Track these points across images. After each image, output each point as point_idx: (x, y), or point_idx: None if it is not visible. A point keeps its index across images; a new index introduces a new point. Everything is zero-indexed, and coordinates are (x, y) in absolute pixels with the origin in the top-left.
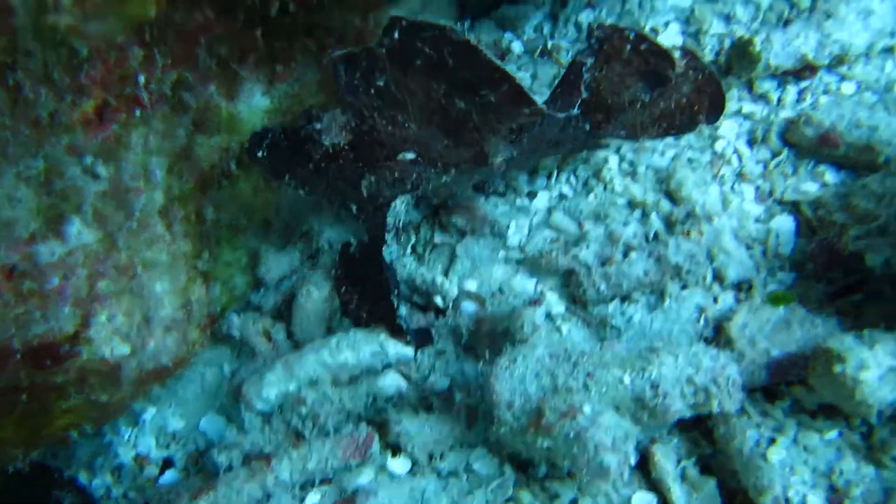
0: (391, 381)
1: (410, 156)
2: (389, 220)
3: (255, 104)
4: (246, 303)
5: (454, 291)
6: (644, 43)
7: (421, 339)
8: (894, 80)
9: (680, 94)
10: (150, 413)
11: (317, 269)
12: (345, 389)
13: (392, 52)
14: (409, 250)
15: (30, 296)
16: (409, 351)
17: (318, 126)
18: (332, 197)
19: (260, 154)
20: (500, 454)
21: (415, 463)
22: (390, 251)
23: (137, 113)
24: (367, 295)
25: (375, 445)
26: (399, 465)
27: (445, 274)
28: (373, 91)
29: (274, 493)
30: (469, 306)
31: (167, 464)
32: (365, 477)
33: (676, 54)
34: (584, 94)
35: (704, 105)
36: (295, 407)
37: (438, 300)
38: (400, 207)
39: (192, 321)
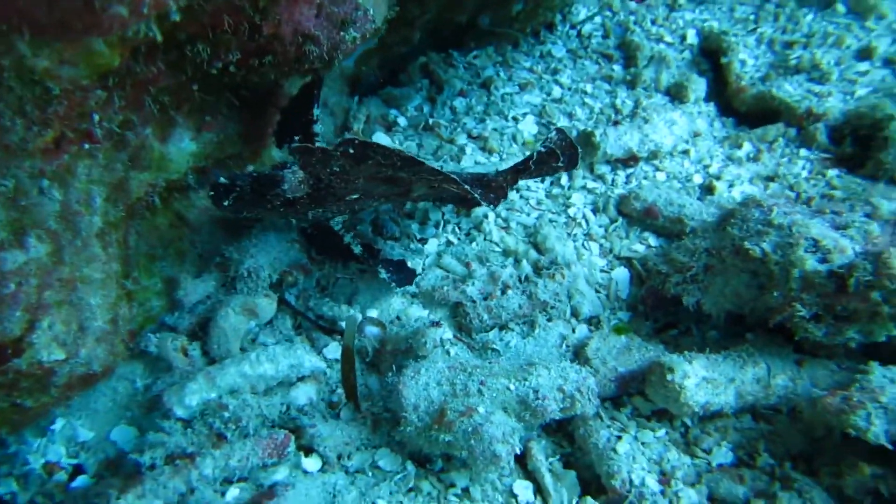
0: (303, 392)
1: (355, 196)
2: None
3: (183, 147)
4: (160, 324)
5: (358, 317)
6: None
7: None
8: (691, 174)
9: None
10: (59, 424)
11: (235, 293)
12: (262, 398)
13: (347, 155)
14: (314, 283)
15: None
16: (322, 364)
17: (285, 186)
18: (279, 220)
19: (226, 203)
20: (402, 453)
21: (325, 462)
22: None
23: (86, 146)
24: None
25: (291, 446)
26: (311, 464)
27: (349, 303)
28: (328, 169)
29: (197, 487)
30: (372, 329)
31: (78, 470)
32: (281, 474)
33: (553, 133)
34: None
35: (566, 162)
36: (217, 412)
37: (343, 324)
38: (337, 221)
39: (119, 334)
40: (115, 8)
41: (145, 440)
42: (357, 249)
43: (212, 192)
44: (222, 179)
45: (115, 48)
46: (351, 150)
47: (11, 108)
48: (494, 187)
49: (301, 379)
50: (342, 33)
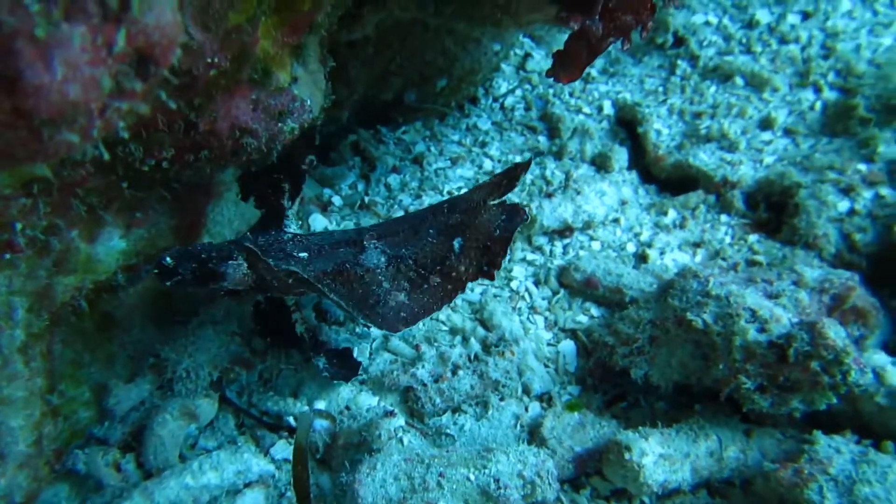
0: (251, 500)
1: (301, 290)
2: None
3: (112, 246)
4: (88, 437)
5: (311, 413)
6: None
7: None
8: (624, 242)
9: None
10: None
11: (172, 397)
12: None
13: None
14: (256, 377)
15: None
16: (271, 467)
17: (225, 283)
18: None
19: (168, 283)
20: None
21: None
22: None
23: (7, 256)
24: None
25: None
26: None
27: (294, 396)
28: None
29: None
30: (321, 423)
31: None
32: None
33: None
34: None
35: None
36: None
37: (291, 420)
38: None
39: (43, 456)
40: (64, 135)
41: None
42: (300, 329)
43: (156, 271)
44: (168, 260)
45: None
46: (290, 281)
47: None
48: (454, 278)
49: (248, 485)
50: (280, 125)
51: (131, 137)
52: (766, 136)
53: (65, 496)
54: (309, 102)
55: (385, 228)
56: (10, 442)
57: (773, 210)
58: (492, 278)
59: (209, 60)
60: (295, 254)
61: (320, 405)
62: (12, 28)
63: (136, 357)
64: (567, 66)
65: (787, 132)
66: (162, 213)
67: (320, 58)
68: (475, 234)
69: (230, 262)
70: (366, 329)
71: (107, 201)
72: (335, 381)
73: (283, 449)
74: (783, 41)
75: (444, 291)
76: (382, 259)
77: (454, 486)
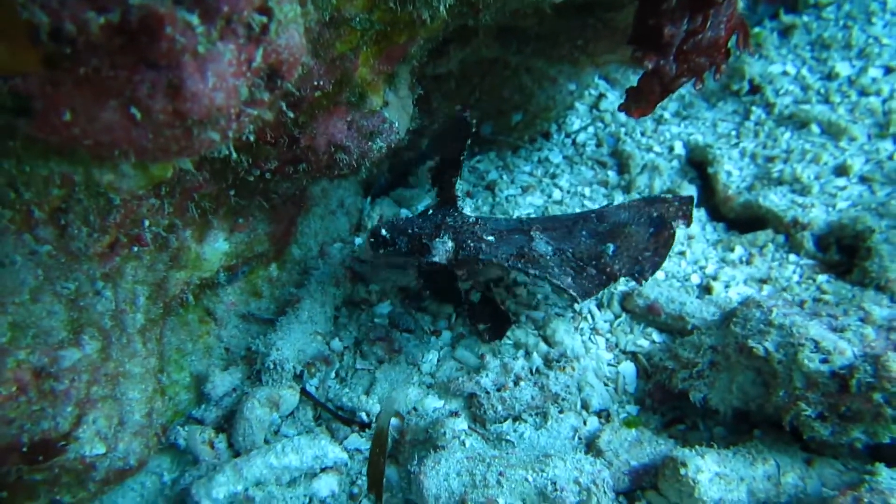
0: (325, 484)
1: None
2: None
3: (217, 247)
4: (187, 417)
5: (376, 408)
6: None
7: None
8: (689, 274)
9: None
10: None
11: (260, 386)
12: (286, 490)
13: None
14: (332, 375)
15: (47, 395)
16: (345, 456)
17: (432, 258)
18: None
19: (381, 252)
20: None
21: None
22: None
23: (135, 249)
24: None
25: None
26: None
27: (367, 394)
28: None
29: None
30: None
31: None
32: None
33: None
34: None
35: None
36: None
37: (363, 416)
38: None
39: (153, 428)
40: (209, 134)
41: None
42: (475, 297)
43: (372, 240)
44: (384, 232)
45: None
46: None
47: (79, 218)
48: (608, 273)
49: (324, 470)
50: (370, 143)
51: (242, 149)
52: (841, 181)
53: (167, 467)
54: (397, 125)
55: (543, 223)
56: (128, 411)
57: (844, 253)
58: (640, 283)
59: (315, 83)
60: (484, 237)
61: None
62: (182, 45)
63: (230, 349)
64: (639, 100)
65: (863, 179)
66: (260, 220)
67: (410, 85)
68: (627, 243)
69: (438, 239)
70: (432, 338)
71: (216, 206)
72: (404, 383)
73: (355, 441)
74: (863, 93)
75: (599, 280)
76: (549, 248)
77: (513, 486)
